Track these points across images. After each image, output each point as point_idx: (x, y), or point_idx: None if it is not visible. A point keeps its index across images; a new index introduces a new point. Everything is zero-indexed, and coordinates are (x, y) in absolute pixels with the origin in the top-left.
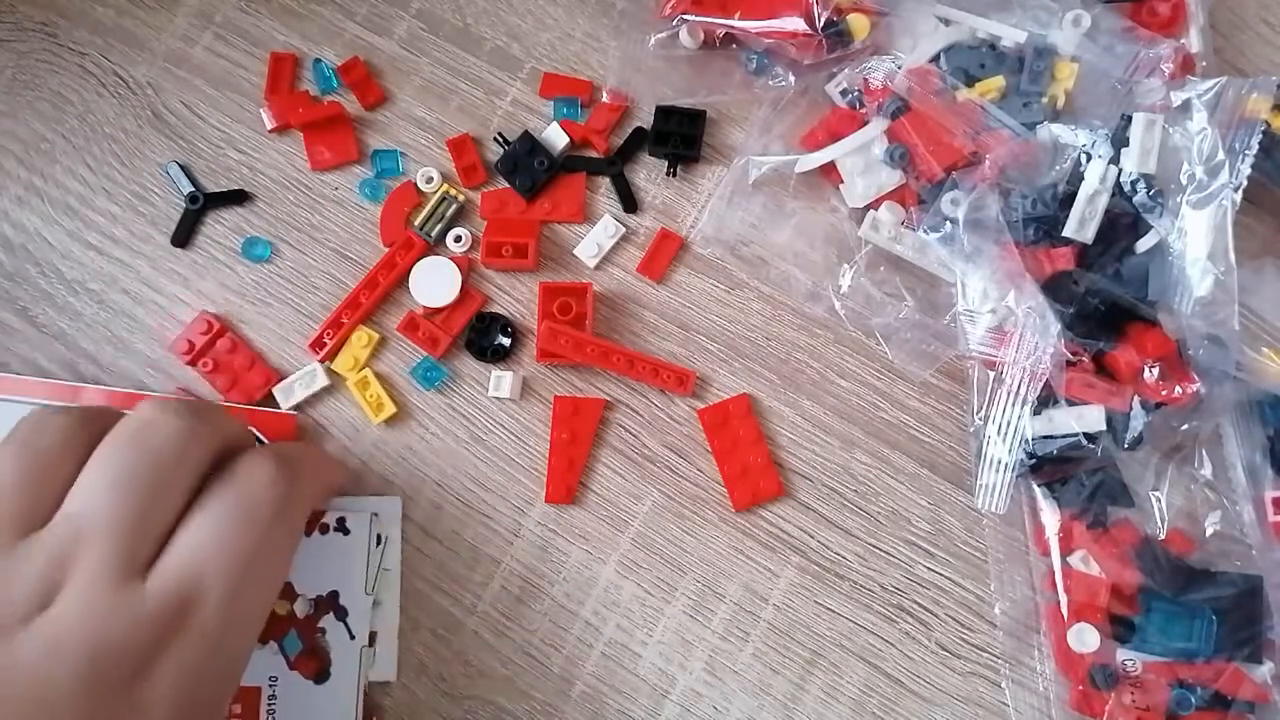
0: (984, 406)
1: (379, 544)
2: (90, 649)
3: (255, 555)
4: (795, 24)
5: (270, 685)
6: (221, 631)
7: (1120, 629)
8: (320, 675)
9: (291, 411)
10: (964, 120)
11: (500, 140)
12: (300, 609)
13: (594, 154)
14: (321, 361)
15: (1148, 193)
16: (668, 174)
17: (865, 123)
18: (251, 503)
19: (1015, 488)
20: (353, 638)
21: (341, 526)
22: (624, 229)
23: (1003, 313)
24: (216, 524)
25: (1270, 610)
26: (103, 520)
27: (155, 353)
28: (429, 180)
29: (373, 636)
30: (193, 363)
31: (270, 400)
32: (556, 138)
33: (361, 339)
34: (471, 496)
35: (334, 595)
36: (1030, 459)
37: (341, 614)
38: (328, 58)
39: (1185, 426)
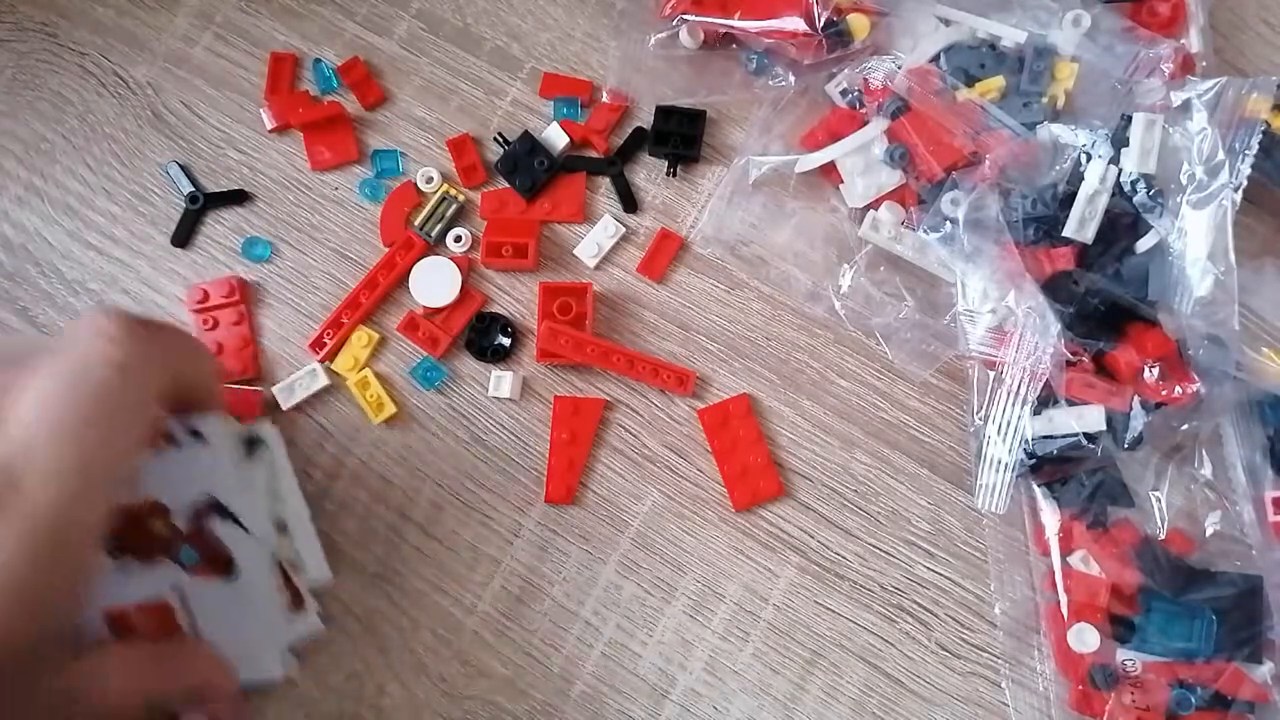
0: (984, 406)
1: (252, 449)
2: None
3: (88, 421)
4: (795, 24)
5: (177, 594)
6: (56, 499)
7: (1120, 629)
8: (228, 571)
9: (259, 388)
10: (964, 120)
11: (500, 140)
12: (182, 523)
13: (594, 154)
14: (321, 361)
15: (1148, 193)
16: (668, 174)
17: (865, 123)
18: (83, 364)
19: (1015, 488)
20: (248, 532)
21: (197, 436)
22: (624, 229)
23: (1003, 313)
24: (43, 390)
25: (1270, 610)
26: None
27: None
28: (429, 180)
29: (282, 526)
30: (198, 311)
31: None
32: (556, 138)
33: (361, 339)
34: (471, 496)
35: (213, 503)
36: (1030, 459)
37: (227, 514)
38: (328, 58)
39: (1185, 426)
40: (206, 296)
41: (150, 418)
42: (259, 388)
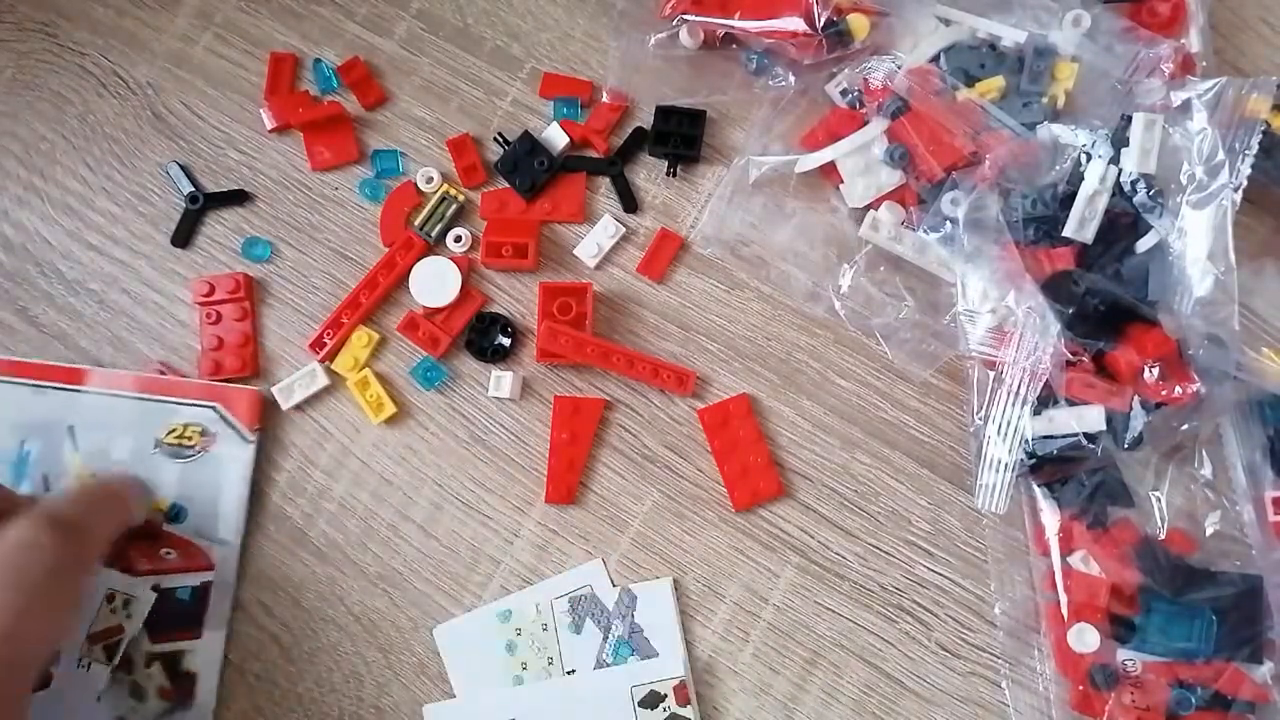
0: (984, 406)
1: None
2: None
3: (21, 614)
4: (795, 24)
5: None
6: None
7: (1120, 629)
8: None
9: (258, 387)
10: (964, 120)
11: (500, 140)
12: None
13: (594, 154)
14: (321, 361)
15: (1148, 193)
16: (668, 174)
17: (865, 123)
18: (15, 568)
19: (1015, 488)
20: None
21: None
22: (624, 229)
23: (1003, 313)
24: None
25: (1270, 610)
26: None
27: (155, 353)
28: (429, 180)
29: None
30: (202, 304)
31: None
32: (556, 138)
33: (361, 339)
34: (471, 496)
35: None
36: (1030, 459)
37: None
38: (328, 58)
39: (1185, 426)
40: (212, 290)
41: (78, 594)
42: (258, 387)
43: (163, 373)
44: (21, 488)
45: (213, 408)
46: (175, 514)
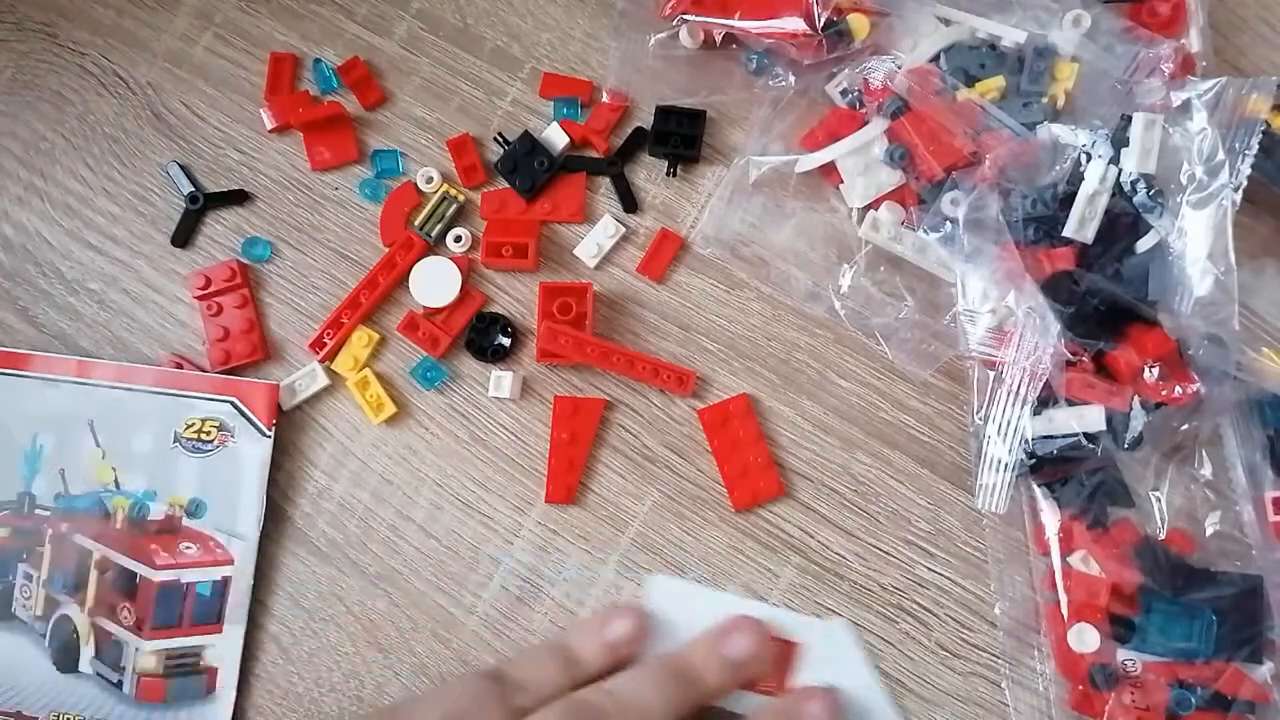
0: (984, 406)
1: None
2: None
3: None
4: (795, 24)
5: None
6: None
7: (1120, 629)
8: None
9: (274, 381)
10: (964, 120)
11: (500, 140)
12: None
13: (594, 154)
14: (321, 361)
15: (1148, 193)
16: (668, 174)
17: (865, 123)
18: None
19: (1015, 488)
20: None
21: None
22: (624, 229)
23: (1003, 313)
24: None
25: (1270, 610)
26: None
27: (155, 353)
28: (429, 180)
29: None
30: (201, 299)
31: (253, 371)
32: (556, 138)
33: (361, 339)
34: (471, 496)
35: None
36: (1030, 459)
37: None
38: (328, 58)
39: (1185, 426)
40: (208, 282)
41: None
42: (272, 377)
43: (180, 366)
44: (35, 482)
45: (230, 402)
46: (194, 509)
